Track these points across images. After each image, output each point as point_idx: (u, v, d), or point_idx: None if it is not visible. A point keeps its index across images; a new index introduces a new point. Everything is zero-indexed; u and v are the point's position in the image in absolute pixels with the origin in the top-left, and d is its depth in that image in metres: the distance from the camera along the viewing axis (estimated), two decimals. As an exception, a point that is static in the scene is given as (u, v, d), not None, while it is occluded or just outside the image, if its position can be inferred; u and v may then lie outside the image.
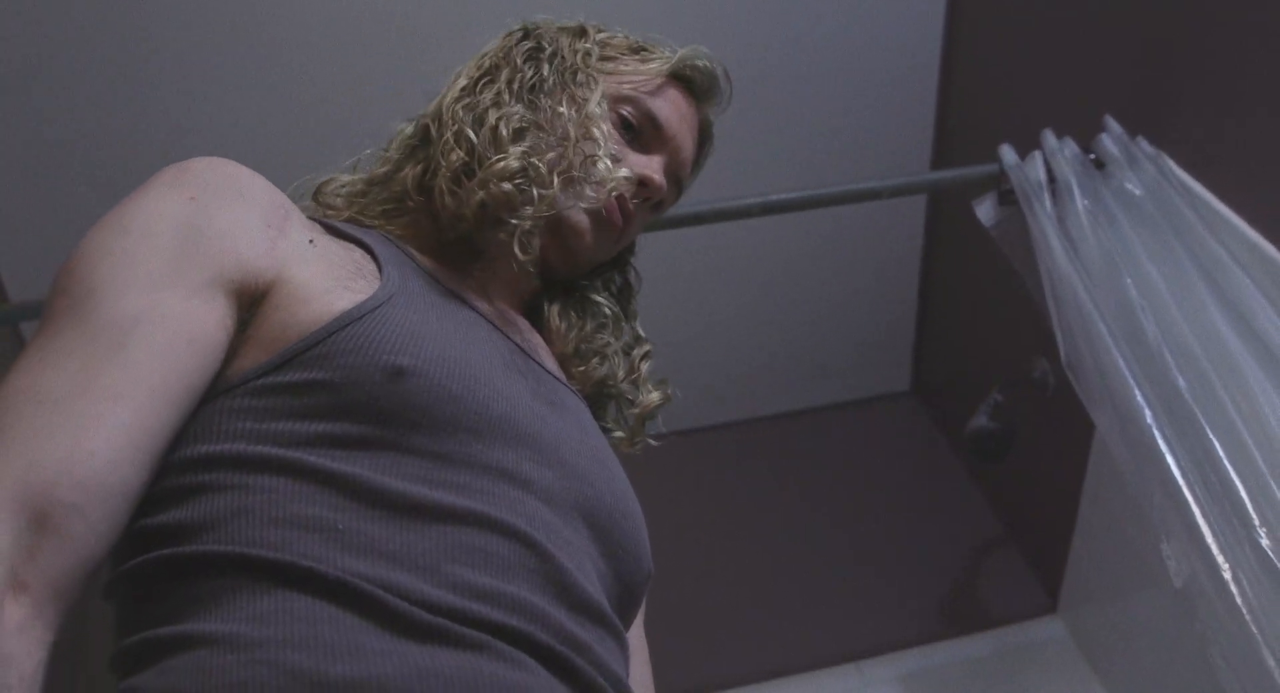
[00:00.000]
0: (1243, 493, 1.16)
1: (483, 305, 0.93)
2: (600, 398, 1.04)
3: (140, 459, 0.69)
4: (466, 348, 0.82)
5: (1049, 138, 1.56)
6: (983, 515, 2.43)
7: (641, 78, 1.02)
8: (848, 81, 2.19)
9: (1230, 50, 1.42)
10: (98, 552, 0.67)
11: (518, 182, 0.90)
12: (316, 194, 0.99)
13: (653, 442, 1.07)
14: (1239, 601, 1.11)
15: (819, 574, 2.30)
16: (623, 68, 1.02)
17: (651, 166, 1.00)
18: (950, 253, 2.45)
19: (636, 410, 1.05)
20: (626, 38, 1.05)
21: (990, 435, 2.02)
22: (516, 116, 0.93)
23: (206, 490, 0.71)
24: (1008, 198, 1.56)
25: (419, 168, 0.95)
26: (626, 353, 1.07)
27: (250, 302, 0.77)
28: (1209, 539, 1.15)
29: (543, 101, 0.96)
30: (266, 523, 0.69)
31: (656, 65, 1.02)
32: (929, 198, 2.43)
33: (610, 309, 1.07)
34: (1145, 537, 1.28)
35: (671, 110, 1.02)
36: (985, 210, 1.61)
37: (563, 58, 0.99)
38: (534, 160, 0.91)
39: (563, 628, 0.73)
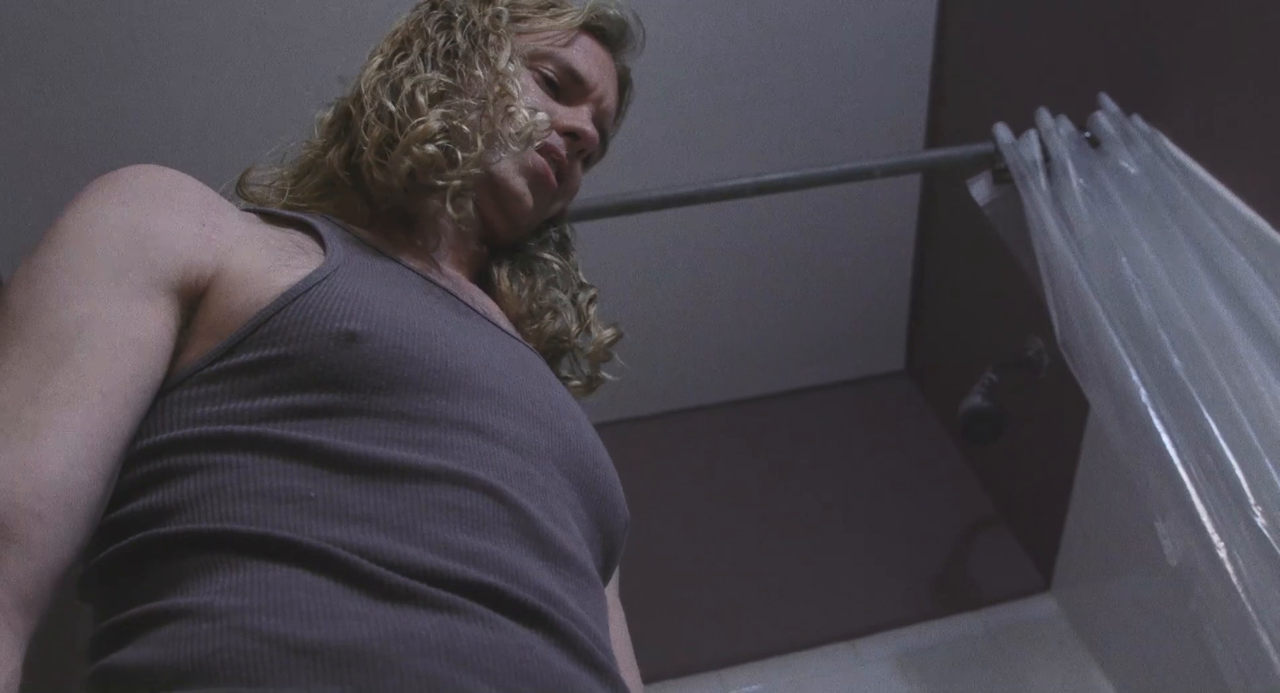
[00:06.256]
0: (1238, 472, 1.16)
1: (431, 272, 0.93)
2: (555, 352, 1.05)
3: (96, 461, 0.69)
4: (417, 309, 0.82)
5: (1044, 116, 1.56)
6: (976, 495, 2.44)
7: (555, 33, 1.03)
8: (841, 60, 2.18)
9: (1225, 27, 1.41)
10: (64, 557, 0.67)
11: (440, 142, 0.91)
12: (240, 187, 0.99)
13: (610, 378, 1.07)
14: (1234, 579, 1.11)
15: (813, 554, 2.31)
16: (536, 26, 1.03)
17: (580, 118, 1.02)
18: (944, 232, 2.44)
19: (590, 350, 1.06)
20: None
21: (984, 415, 2.02)
22: (433, 82, 0.94)
23: (173, 475, 0.71)
24: (1002, 177, 1.56)
25: (344, 148, 0.96)
26: (574, 301, 1.08)
27: (193, 298, 0.78)
28: (1204, 518, 1.15)
29: (458, 66, 0.96)
30: (239, 498, 0.69)
31: (568, 19, 1.04)
32: (923, 177, 2.43)
33: (557, 264, 1.08)
34: (1139, 515, 1.28)
35: (589, 61, 1.04)
36: (980, 189, 1.60)
37: (473, 23, 0.99)
38: (455, 123, 0.92)
39: (539, 584, 0.73)
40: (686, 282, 2.43)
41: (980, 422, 2.04)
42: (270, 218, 0.90)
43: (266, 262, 0.79)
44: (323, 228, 0.87)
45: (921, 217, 2.50)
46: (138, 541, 0.69)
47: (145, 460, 0.72)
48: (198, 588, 0.66)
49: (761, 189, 1.55)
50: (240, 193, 0.99)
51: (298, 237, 0.86)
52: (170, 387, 0.75)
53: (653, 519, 2.41)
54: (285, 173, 1.01)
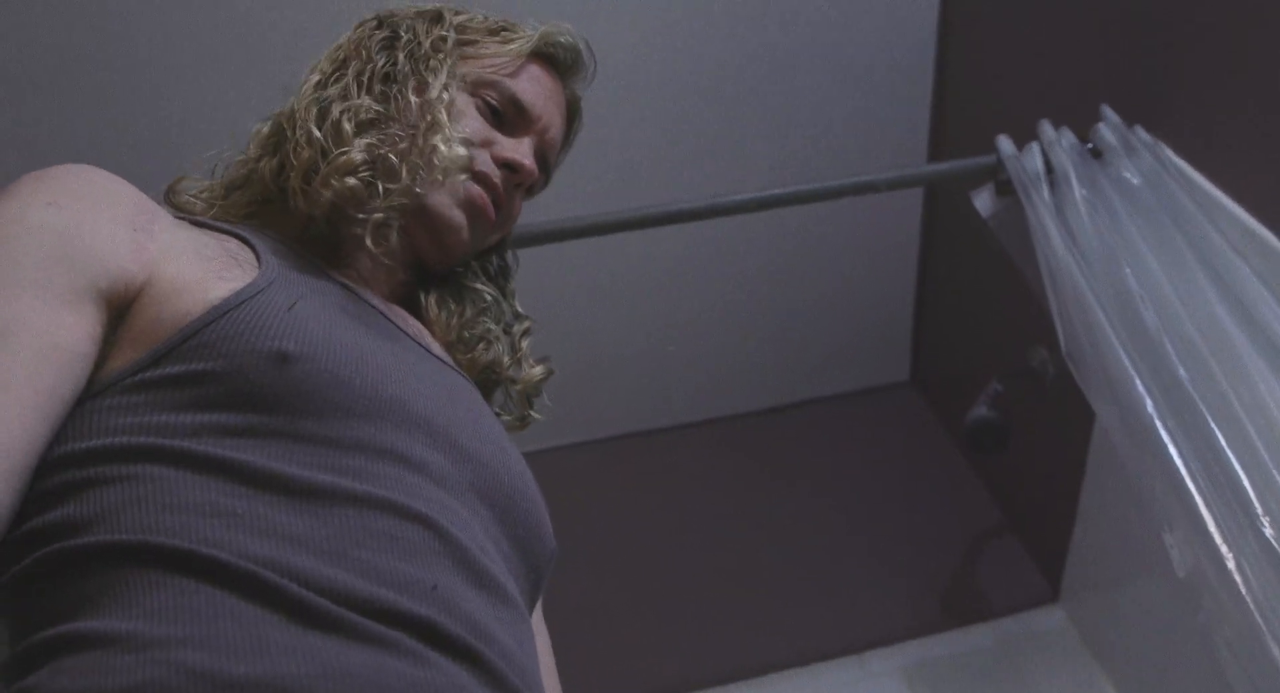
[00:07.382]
0: (1245, 482, 1.16)
1: (364, 293, 0.91)
2: (488, 384, 1.03)
3: (9, 472, 0.66)
4: (351, 332, 0.81)
5: (1046, 128, 1.56)
6: (983, 506, 2.43)
7: (503, 60, 1.00)
8: (843, 75, 2.18)
9: (1226, 38, 1.42)
10: None
11: (363, 174, 0.89)
12: (169, 195, 0.96)
13: (538, 417, 1.06)
14: (1243, 590, 1.11)
15: (820, 567, 2.31)
16: (484, 51, 1.00)
17: (520, 150, 0.99)
18: (948, 244, 2.45)
19: (519, 387, 1.04)
20: (486, 19, 1.04)
21: (990, 425, 2.02)
22: (364, 108, 0.92)
23: (91, 485, 0.68)
24: (1005, 189, 1.56)
25: (275, 162, 0.94)
26: (507, 332, 1.06)
27: (121, 307, 0.75)
28: (1212, 529, 1.15)
29: (393, 91, 0.94)
30: (161, 510, 0.67)
31: (517, 45, 1.01)
32: (926, 190, 2.43)
33: (490, 294, 1.06)
34: (1147, 526, 1.28)
35: (535, 91, 1.01)
36: (983, 201, 1.60)
37: (418, 44, 0.97)
38: (382, 152, 0.90)
39: (471, 615, 0.72)
40: (691, 296, 2.44)
41: (986, 432, 2.04)
42: (203, 226, 0.87)
43: (199, 272, 0.77)
44: (257, 240, 0.85)
45: (925, 229, 2.50)
46: (51, 553, 0.67)
47: (60, 470, 0.69)
48: (118, 610, 0.64)
49: (765, 204, 1.55)
50: (169, 201, 0.96)
51: (233, 246, 0.84)
52: (90, 395, 0.72)
53: (659, 533, 2.42)
54: (216, 185, 0.98)
